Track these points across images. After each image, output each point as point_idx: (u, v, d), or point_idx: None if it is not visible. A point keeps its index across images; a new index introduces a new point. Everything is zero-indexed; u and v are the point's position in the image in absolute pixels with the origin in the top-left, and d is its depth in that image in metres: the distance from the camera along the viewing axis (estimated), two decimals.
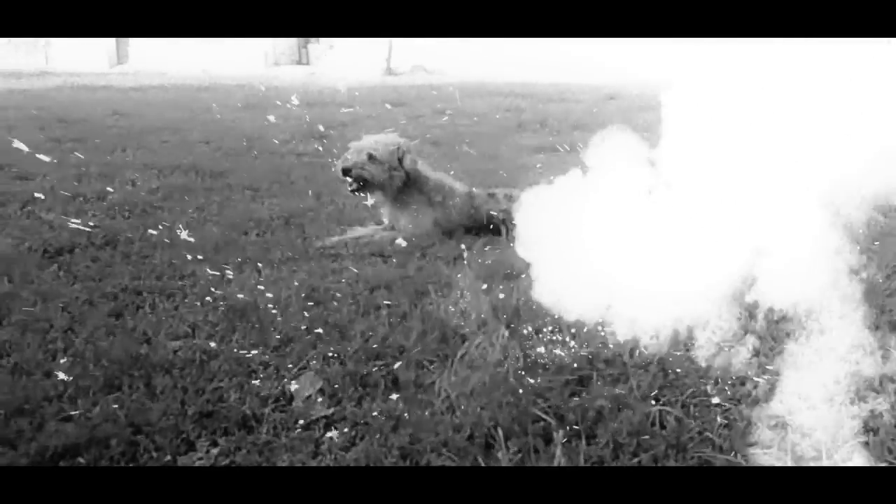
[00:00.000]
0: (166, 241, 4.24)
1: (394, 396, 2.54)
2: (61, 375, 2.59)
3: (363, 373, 2.69)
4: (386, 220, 4.57)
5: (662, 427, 2.36)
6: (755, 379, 2.65)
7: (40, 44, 21.97)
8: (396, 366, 2.73)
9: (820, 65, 2.84)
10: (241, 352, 2.83)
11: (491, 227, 4.47)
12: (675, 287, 3.03)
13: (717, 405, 2.48)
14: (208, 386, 2.59)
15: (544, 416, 2.38)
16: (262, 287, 3.48)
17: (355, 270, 3.76)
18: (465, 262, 3.96)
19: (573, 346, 2.87)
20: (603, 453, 2.21)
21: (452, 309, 3.19)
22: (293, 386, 2.61)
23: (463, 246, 4.14)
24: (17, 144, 5.02)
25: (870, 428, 2.36)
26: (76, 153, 7.07)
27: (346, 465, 2.19)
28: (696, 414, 2.43)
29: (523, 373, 2.65)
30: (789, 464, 2.16)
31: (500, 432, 2.26)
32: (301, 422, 2.41)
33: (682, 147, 3.02)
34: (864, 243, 4.12)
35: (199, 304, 3.32)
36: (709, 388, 2.58)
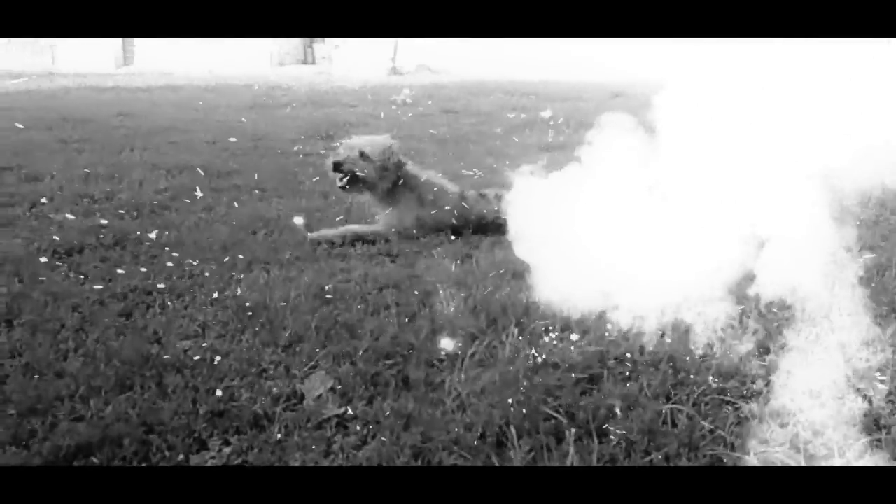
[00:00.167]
0: (175, 241, 4.26)
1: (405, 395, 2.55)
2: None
3: (373, 372, 2.69)
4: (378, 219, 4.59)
5: (674, 425, 2.36)
6: (765, 376, 2.64)
7: (47, 45, 22.03)
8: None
9: (820, 65, 2.85)
10: (251, 351, 2.84)
11: (484, 227, 4.48)
12: (676, 277, 3.04)
13: (728, 403, 2.48)
14: (219, 385, 2.59)
15: (555, 414, 2.38)
16: (271, 286, 3.49)
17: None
18: (474, 260, 3.96)
19: (582, 345, 2.87)
20: (615, 452, 2.21)
21: (462, 307, 3.19)
22: (304, 385, 2.61)
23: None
24: (18, 124, 5.02)
25: (882, 425, 2.36)
26: (84, 153, 7.10)
27: (358, 465, 2.19)
28: (708, 412, 2.42)
29: (534, 372, 2.65)
30: (801, 461, 2.16)
31: (513, 430, 2.26)
32: (313, 421, 2.41)
33: (681, 139, 3.04)
34: (874, 240, 4.12)
35: (209, 303, 3.33)
36: (720, 385, 2.57)
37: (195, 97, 12.62)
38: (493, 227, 4.36)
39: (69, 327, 3.04)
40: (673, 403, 2.46)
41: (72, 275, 3.73)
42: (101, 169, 6.33)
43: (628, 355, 2.78)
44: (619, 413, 2.39)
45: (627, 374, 2.68)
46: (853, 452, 2.21)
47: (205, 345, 2.89)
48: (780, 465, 2.15)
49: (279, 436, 2.33)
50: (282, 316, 3.12)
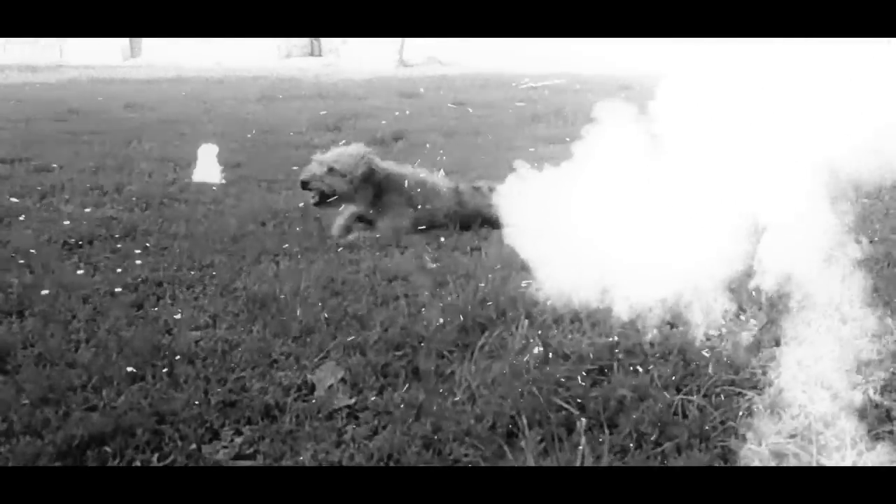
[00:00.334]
0: (184, 232, 4.27)
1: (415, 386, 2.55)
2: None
3: (384, 363, 2.69)
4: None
5: (685, 416, 2.36)
6: (776, 367, 2.64)
7: (55, 38, 22.06)
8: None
9: (820, 63, 2.85)
10: (262, 341, 2.85)
11: (482, 221, 4.44)
12: (677, 267, 3.05)
13: (738, 394, 2.48)
14: (231, 376, 2.60)
15: (566, 405, 2.39)
16: (280, 278, 3.50)
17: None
18: (483, 252, 3.96)
19: (592, 336, 2.87)
20: (626, 443, 2.21)
21: (471, 299, 3.19)
22: (315, 375, 2.62)
23: None
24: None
25: (893, 417, 2.36)
26: (92, 146, 7.12)
27: (369, 458, 2.20)
28: (719, 403, 2.42)
29: (544, 363, 2.65)
30: (813, 452, 2.16)
31: (525, 420, 2.26)
32: (324, 411, 2.42)
33: (681, 129, 3.04)
34: (885, 233, 4.11)
35: (219, 294, 3.34)
36: (730, 376, 2.57)
37: (203, 90, 12.64)
38: (491, 221, 4.30)
39: (81, 318, 3.05)
40: (683, 394, 2.46)
41: (82, 266, 3.74)
42: (109, 161, 6.35)
43: (639, 346, 2.78)
44: (628, 406, 2.39)
45: (638, 364, 2.67)
46: (864, 444, 2.20)
47: (216, 335, 2.90)
48: (791, 455, 2.15)
49: (290, 426, 2.34)
50: (292, 307, 3.13)
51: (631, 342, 2.81)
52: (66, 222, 4.41)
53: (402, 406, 2.41)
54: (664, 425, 2.28)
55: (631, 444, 2.21)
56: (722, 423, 2.30)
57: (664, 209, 3.17)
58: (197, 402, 2.42)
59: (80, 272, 3.62)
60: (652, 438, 2.23)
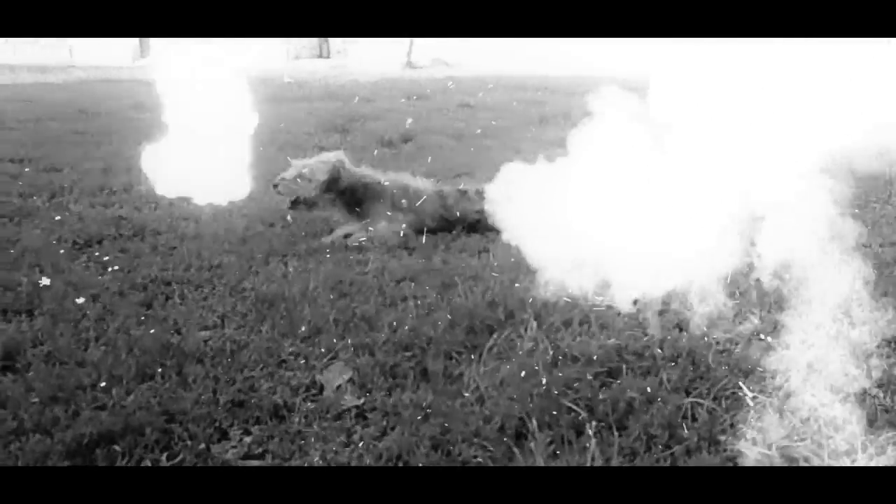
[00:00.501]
0: (193, 232, 4.28)
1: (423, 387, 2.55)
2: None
3: (392, 363, 2.69)
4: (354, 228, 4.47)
5: (694, 420, 2.35)
6: (784, 370, 2.63)
7: (65, 39, 22.14)
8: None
9: (818, 63, 2.85)
10: (270, 342, 2.85)
11: (468, 225, 4.42)
12: (676, 257, 3.05)
13: (748, 397, 2.47)
14: (239, 375, 2.61)
15: (575, 407, 2.38)
16: (289, 278, 3.50)
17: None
18: (491, 254, 3.96)
19: (601, 339, 2.87)
20: (635, 445, 2.21)
21: (480, 300, 3.19)
22: (323, 376, 2.62)
23: None
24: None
25: None
26: (101, 146, 7.14)
27: (377, 459, 2.20)
28: (728, 406, 2.41)
29: (552, 365, 2.65)
30: (824, 457, 2.15)
31: (535, 423, 2.26)
32: (332, 411, 2.42)
33: (678, 126, 3.05)
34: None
35: (227, 294, 3.35)
36: (740, 379, 2.56)
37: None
38: (478, 226, 4.31)
39: (90, 317, 3.06)
40: (693, 397, 2.45)
41: (91, 265, 3.75)
42: (118, 161, 6.36)
43: (648, 349, 2.77)
44: (637, 408, 2.38)
45: (647, 367, 2.67)
46: (875, 448, 2.19)
47: (225, 335, 2.90)
48: (801, 459, 2.14)
49: (299, 426, 2.34)
50: (300, 307, 3.14)
51: (640, 344, 2.81)
52: (76, 222, 4.43)
53: (410, 407, 2.41)
54: (673, 428, 2.27)
55: (640, 447, 2.21)
56: (732, 426, 2.30)
57: (664, 202, 3.18)
58: (206, 402, 2.43)
59: (88, 271, 3.63)
60: (661, 441, 2.22)
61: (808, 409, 2.35)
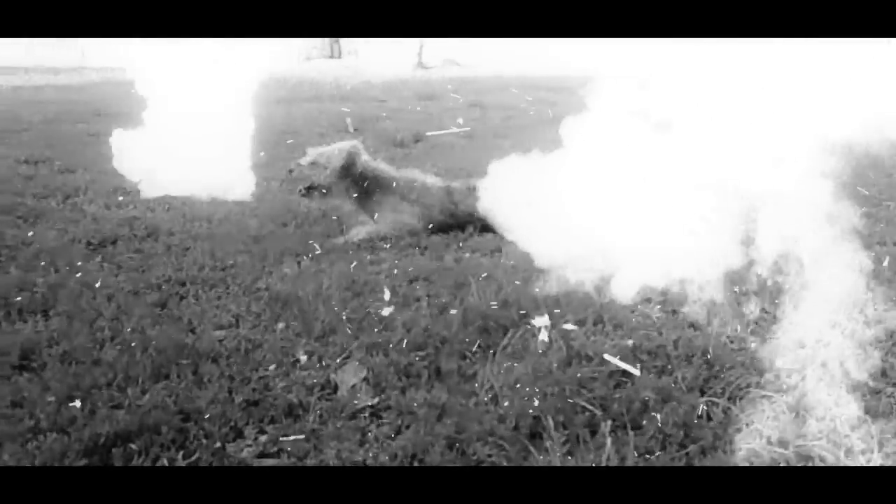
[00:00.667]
0: (207, 233, 4.29)
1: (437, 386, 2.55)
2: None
3: (406, 363, 2.70)
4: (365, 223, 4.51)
5: (709, 419, 2.34)
6: (800, 370, 2.62)
7: (77, 40, 22.27)
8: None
9: (818, 61, 2.85)
10: (284, 341, 2.86)
11: (481, 225, 4.43)
12: (678, 250, 3.05)
13: (764, 396, 2.46)
14: (254, 375, 2.61)
15: (590, 406, 2.38)
16: (302, 278, 3.51)
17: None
18: (504, 253, 3.96)
19: (615, 338, 2.86)
20: (650, 445, 2.20)
21: (493, 300, 3.19)
22: (338, 375, 2.62)
23: None
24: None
25: None
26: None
27: (392, 458, 2.20)
28: (744, 405, 2.40)
29: (566, 364, 2.65)
30: (840, 456, 2.14)
31: (551, 421, 2.25)
32: (347, 411, 2.42)
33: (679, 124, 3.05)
34: None
35: (241, 294, 3.36)
36: (755, 378, 2.56)
37: None
38: (484, 224, 4.34)
39: (105, 317, 3.07)
40: (708, 397, 2.44)
41: (105, 265, 3.77)
42: None
43: (663, 348, 2.77)
44: (651, 408, 2.37)
45: (661, 367, 2.66)
46: (891, 446, 2.18)
47: (239, 334, 2.91)
48: (817, 458, 2.13)
49: (314, 425, 2.35)
50: (314, 307, 3.14)
51: (654, 344, 2.80)
52: (90, 223, 4.45)
53: (425, 406, 2.41)
54: (688, 427, 2.27)
55: (655, 446, 2.20)
56: (747, 425, 2.29)
57: (665, 196, 3.18)
58: (221, 401, 2.44)
59: (102, 271, 3.65)
60: (676, 440, 2.22)
61: (823, 407, 2.35)
